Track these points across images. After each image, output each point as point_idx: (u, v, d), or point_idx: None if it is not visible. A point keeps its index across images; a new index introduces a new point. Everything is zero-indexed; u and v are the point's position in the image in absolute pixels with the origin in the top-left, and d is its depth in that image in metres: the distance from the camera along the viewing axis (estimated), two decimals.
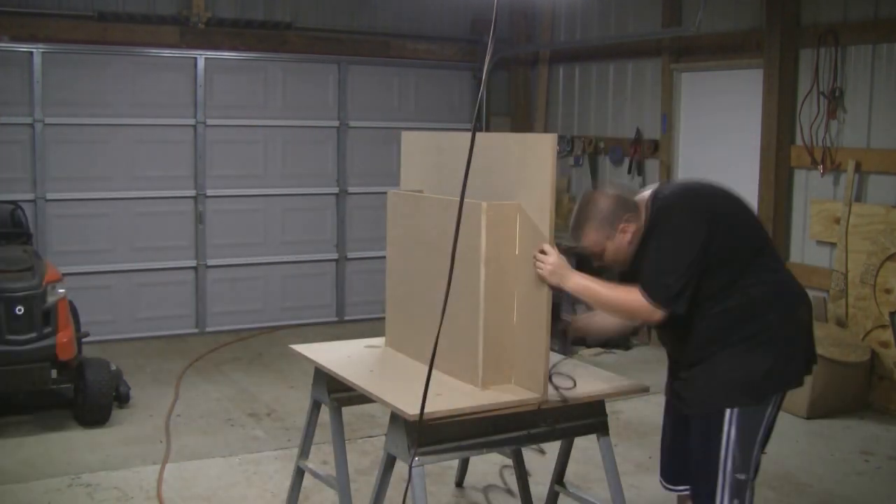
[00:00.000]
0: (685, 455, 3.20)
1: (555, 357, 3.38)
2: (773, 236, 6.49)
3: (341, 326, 8.13)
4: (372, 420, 5.42)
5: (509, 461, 4.36)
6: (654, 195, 3.19)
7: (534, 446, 3.78)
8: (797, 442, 5.38)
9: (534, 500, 4.13)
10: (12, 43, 6.99)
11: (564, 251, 3.36)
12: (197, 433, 5.32)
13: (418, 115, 8.62)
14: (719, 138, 7.16)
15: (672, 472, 3.36)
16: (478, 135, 3.00)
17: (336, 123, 8.25)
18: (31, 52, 7.03)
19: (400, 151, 4.18)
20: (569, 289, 3.23)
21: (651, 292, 3.01)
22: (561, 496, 3.97)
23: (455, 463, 4.60)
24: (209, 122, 7.67)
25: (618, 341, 7.51)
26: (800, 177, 6.50)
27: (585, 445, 4.25)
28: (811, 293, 6.23)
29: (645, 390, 3.56)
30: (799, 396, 5.76)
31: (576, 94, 8.64)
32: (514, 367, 3.33)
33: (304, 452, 4.00)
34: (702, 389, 3.10)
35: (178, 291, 7.73)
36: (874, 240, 5.87)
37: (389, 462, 3.30)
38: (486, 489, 4.58)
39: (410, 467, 3.06)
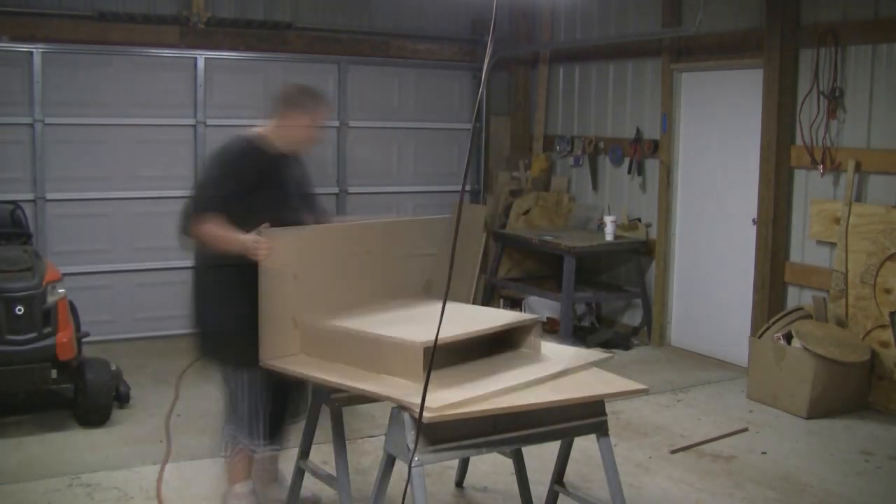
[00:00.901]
0: None
1: None
2: (774, 236, 6.51)
3: None
4: (372, 420, 5.42)
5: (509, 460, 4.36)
6: None
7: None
8: (797, 442, 5.39)
9: (534, 500, 4.13)
10: (12, 43, 6.98)
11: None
12: (197, 433, 5.32)
13: (418, 115, 8.62)
14: (719, 138, 7.16)
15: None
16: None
17: (336, 123, 8.25)
18: (31, 52, 7.02)
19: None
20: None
21: None
22: (561, 496, 3.97)
23: (455, 463, 4.60)
24: (209, 122, 7.66)
25: (617, 341, 7.52)
26: (800, 177, 6.50)
27: (585, 445, 4.25)
28: (811, 293, 6.31)
29: (644, 391, 3.55)
30: (799, 396, 5.77)
31: (576, 94, 8.64)
32: None
33: (304, 452, 4.01)
34: None
35: (178, 291, 7.71)
36: (874, 240, 5.87)
37: (389, 462, 3.30)
38: (486, 489, 4.59)
39: (410, 467, 3.06)
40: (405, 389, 3.23)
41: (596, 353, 3.77)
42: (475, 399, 3.17)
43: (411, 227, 4.41)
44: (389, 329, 3.52)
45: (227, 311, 3.81)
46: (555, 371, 3.51)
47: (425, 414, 2.96)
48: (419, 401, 2.96)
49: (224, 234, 3.69)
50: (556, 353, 3.77)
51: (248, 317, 3.66)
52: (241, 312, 3.70)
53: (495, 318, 3.84)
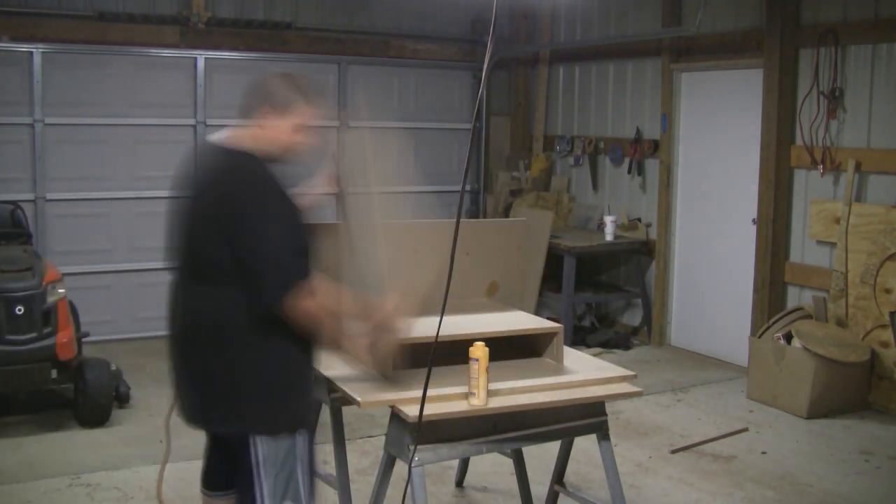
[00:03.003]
0: None
1: None
2: (774, 236, 6.50)
3: None
4: (372, 420, 5.42)
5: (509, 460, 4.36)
6: None
7: None
8: (797, 442, 5.39)
9: (534, 500, 4.13)
10: (12, 43, 6.98)
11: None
12: (197, 433, 5.31)
13: (418, 115, 8.62)
14: (719, 138, 7.16)
15: None
16: None
17: (336, 123, 8.24)
18: (31, 52, 7.02)
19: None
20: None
21: None
22: (561, 496, 3.97)
23: (455, 463, 4.60)
24: (209, 122, 7.66)
25: (617, 341, 7.52)
26: (800, 177, 6.50)
27: (585, 445, 4.25)
28: (811, 293, 6.30)
29: (639, 394, 3.52)
30: (799, 396, 5.77)
31: (576, 94, 8.64)
32: None
33: None
34: None
35: None
36: (874, 240, 5.87)
37: (389, 462, 3.30)
38: (486, 489, 4.59)
39: (410, 467, 3.06)
40: (367, 382, 3.27)
41: (623, 370, 3.56)
42: (408, 400, 3.12)
43: (476, 228, 4.29)
44: None
45: (281, 366, 2.92)
46: (558, 382, 3.43)
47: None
48: (362, 394, 3.09)
49: (356, 303, 2.96)
50: (581, 364, 3.64)
51: (305, 368, 3.02)
52: (298, 365, 2.99)
53: (516, 324, 3.71)
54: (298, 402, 2.98)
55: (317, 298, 2.79)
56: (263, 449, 2.91)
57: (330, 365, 3.55)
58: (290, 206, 2.92)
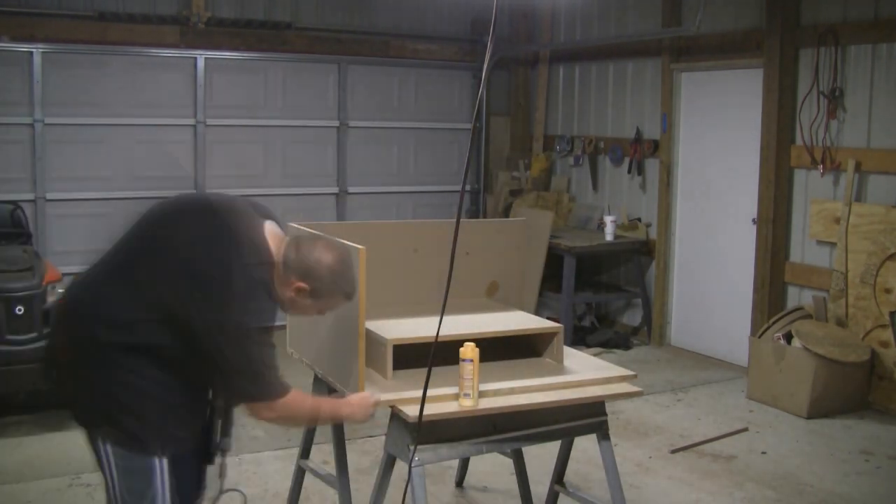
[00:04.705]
0: None
1: None
2: (774, 236, 6.51)
3: None
4: (372, 420, 5.40)
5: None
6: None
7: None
8: (797, 442, 5.39)
9: (534, 500, 4.13)
10: (12, 43, 6.99)
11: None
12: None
13: (418, 115, 8.62)
14: (719, 138, 7.16)
15: None
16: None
17: (336, 123, 8.25)
18: (31, 52, 7.02)
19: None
20: None
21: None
22: (561, 496, 3.97)
23: (455, 463, 4.60)
24: (209, 122, 7.66)
25: (617, 341, 7.53)
26: (800, 177, 6.50)
27: (585, 446, 4.25)
28: (811, 293, 6.31)
29: (640, 394, 3.52)
30: (799, 396, 5.77)
31: (576, 94, 8.64)
32: None
33: (304, 452, 4.00)
34: None
35: None
36: (874, 240, 5.87)
37: (389, 462, 3.30)
38: (486, 489, 4.59)
39: (410, 467, 3.06)
40: (367, 383, 3.25)
41: (623, 370, 3.56)
42: (407, 400, 3.13)
43: (476, 228, 4.29)
44: (390, 325, 3.51)
45: (152, 396, 2.66)
46: (558, 382, 3.43)
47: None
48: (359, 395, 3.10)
49: (321, 409, 3.05)
50: (581, 364, 3.64)
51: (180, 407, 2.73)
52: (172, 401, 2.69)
53: (516, 323, 3.72)
54: (156, 431, 2.67)
55: (277, 412, 2.70)
56: (113, 452, 2.66)
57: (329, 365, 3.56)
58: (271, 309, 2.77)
